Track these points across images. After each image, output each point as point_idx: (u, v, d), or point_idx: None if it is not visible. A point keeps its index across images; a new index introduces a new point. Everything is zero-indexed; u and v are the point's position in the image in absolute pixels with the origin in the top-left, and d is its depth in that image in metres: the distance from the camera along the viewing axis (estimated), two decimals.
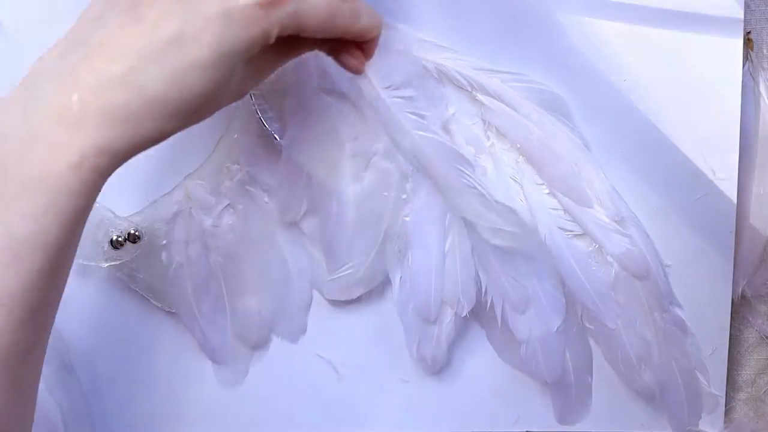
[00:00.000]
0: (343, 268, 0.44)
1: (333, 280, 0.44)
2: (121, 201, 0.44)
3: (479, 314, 0.45)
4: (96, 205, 0.44)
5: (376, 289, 0.45)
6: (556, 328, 0.44)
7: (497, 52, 0.42)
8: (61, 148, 0.28)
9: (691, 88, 0.43)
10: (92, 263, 0.44)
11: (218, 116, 0.43)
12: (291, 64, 0.42)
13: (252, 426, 0.48)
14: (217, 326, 0.46)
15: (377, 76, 0.41)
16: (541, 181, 0.43)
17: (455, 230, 0.43)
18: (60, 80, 0.29)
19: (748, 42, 0.43)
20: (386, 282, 0.45)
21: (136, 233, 0.44)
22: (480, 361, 0.47)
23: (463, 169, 0.41)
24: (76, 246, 0.31)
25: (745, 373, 0.49)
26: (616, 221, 0.42)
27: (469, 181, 0.41)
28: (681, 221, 0.44)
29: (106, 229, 0.44)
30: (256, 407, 0.48)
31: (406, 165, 0.43)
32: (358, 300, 0.46)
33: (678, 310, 0.45)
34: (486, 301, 0.44)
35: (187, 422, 0.48)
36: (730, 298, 0.45)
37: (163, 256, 0.44)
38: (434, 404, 0.48)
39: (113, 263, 0.44)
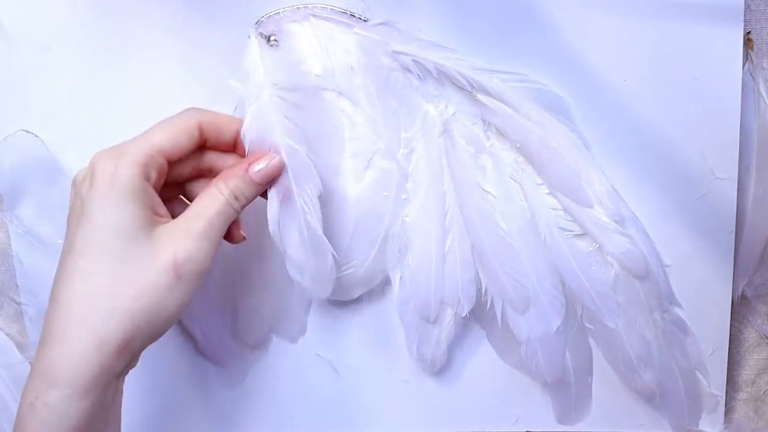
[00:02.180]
0: (343, 268, 0.44)
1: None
2: None
3: (479, 314, 0.45)
4: None
5: (376, 289, 0.45)
6: (556, 328, 0.44)
7: (497, 52, 0.42)
8: None
9: (691, 88, 0.43)
10: None
11: None
12: (290, 64, 0.42)
13: (252, 426, 0.48)
14: (217, 326, 0.46)
15: None
16: (541, 181, 0.43)
17: (455, 230, 0.43)
18: None
19: (748, 42, 0.43)
20: (386, 282, 0.45)
21: None
22: (480, 361, 0.47)
23: None
24: None
25: (745, 373, 0.49)
26: (616, 221, 0.42)
27: None
28: (681, 221, 0.44)
29: None
30: (256, 407, 0.48)
31: (406, 165, 0.43)
32: (358, 300, 0.46)
33: (678, 310, 0.45)
34: (486, 301, 0.44)
35: (186, 422, 0.48)
36: (730, 298, 0.45)
37: None
38: (434, 404, 0.48)
39: None
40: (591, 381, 0.47)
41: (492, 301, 0.44)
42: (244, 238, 0.39)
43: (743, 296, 0.47)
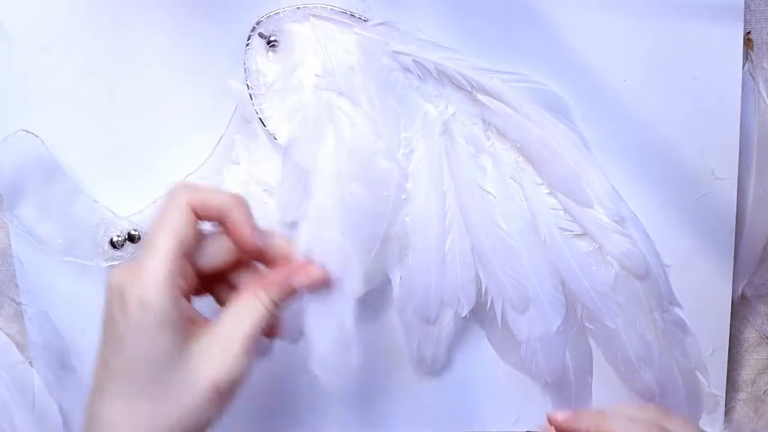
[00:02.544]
0: None
1: None
2: (121, 201, 0.44)
3: (479, 314, 0.45)
4: (96, 205, 0.44)
5: (376, 289, 0.45)
6: (556, 328, 0.44)
7: (497, 52, 0.42)
8: None
9: (691, 88, 0.43)
10: (92, 263, 0.44)
11: (218, 116, 0.44)
12: (290, 63, 0.42)
13: (252, 426, 0.48)
14: None
15: None
16: (541, 181, 0.43)
17: (455, 230, 0.43)
18: None
19: (748, 42, 0.43)
20: (386, 282, 0.45)
21: (136, 233, 0.44)
22: (480, 361, 0.47)
23: None
24: None
25: (745, 373, 0.49)
26: (616, 221, 0.42)
27: None
28: (681, 221, 0.44)
29: (106, 229, 0.44)
30: (255, 407, 0.48)
31: (406, 165, 0.43)
32: (358, 300, 0.46)
33: (678, 310, 0.45)
34: (486, 301, 0.44)
35: None
36: (730, 298, 0.45)
37: None
38: (434, 404, 0.48)
39: (113, 263, 0.44)
40: (591, 381, 0.47)
41: (492, 301, 0.44)
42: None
43: (743, 296, 0.47)
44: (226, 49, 0.43)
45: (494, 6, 0.42)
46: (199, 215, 0.34)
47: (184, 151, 0.44)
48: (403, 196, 0.43)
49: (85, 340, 0.47)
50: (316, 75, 0.42)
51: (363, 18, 0.42)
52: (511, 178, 0.43)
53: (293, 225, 0.44)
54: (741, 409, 0.49)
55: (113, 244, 0.44)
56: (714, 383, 0.46)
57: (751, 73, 0.44)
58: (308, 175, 0.42)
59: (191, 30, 0.43)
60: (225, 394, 0.34)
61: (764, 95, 0.44)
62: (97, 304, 0.46)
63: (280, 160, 0.43)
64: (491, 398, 0.47)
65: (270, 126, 0.43)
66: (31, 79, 0.44)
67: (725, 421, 0.47)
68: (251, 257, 0.36)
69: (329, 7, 0.42)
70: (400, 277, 0.44)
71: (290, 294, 0.35)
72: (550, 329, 0.44)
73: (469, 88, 0.42)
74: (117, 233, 0.44)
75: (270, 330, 0.37)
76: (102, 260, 0.44)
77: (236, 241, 0.35)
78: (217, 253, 0.36)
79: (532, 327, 0.44)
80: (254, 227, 0.35)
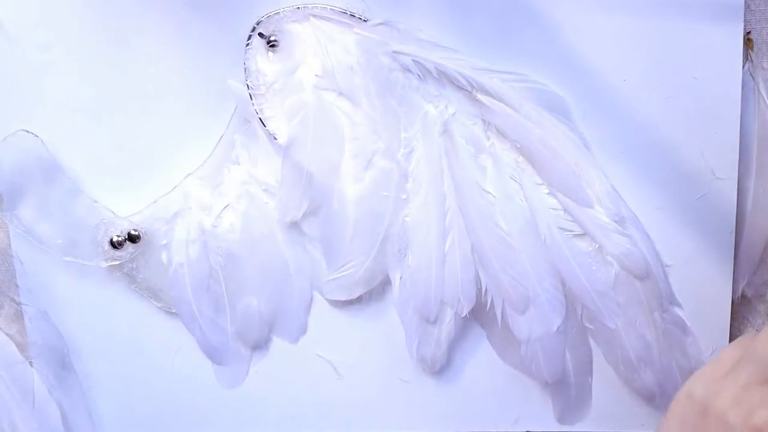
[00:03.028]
0: (343, 268, 0.44)
1: (333, 280, 0.45)
2: (121, 201, 0.44)
3: (479, 314, 0.45)
4: (96, 205, 0.44)
5: (376, 289, 0.45)
6: (556, 328, 0.44)
7: (497, 52, 0.42)
8: None
9: (691, 88, 0.43)
10: (92, 263, 0.44)
11: (218, 116, 0.44)
12: (290, 63, 0.42)
13: (252, 426, 0.48)
14: (217, 326, 0.46)
15: None
16: (541, 181, 0.43)
17: (455, 230, 0.43)
18: None
19: (748, 42, 0.43)
20: (386, 282, 0.45)
21: (136, 233, 0.44)
22: (480, 361, 0.47)
23: None
24: None
25: None
26: (616, 221, 0.42)
27: None
28: (681, 221, 0.44)
29: (106, 229, 0.44)
30: (256, 407, 0.48)
31: (406, 165, 0.43)
32: (358, 300, 0.46)
33: (678, 310, 0.45)
34: (486, 301, 0.44)
35: (186, 422, 0.48)
36: (730, 298, 0.45)
37: (163, 256, 0.44)
38: (434, 404, 0.48)
39: (113, 263, 0.44)
40: (591, 381, 0.47)
41: (492, 301, 0.44)
42: None
43: (743, 296, 0.47)
44: (226, 49, 0.43)
45: (494, 6, 0.42)
46: None
47: (184, 151, 0.44)
48: (403, 196, 0.43)
49: (85, 340, 0.47)
50: (316, 75, 0.42)
51: (363, 18, 0.42)
52: (511, 178, 0.43)
53: (292, 225, 0.44)
54: None
55: (113, 244, 0.44)
56: None
57: (751, 73, 0.44)
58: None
59: (191, 30, 0.43)
60: None
61: (764, 95, 0.44)
62: (97, 304, 0.46)
63: (280, 160, 0.43)
64: (491, 398, 0.47)
65: (270, 126, 0.43)
66: (31, 79, 0.44)
67: None
68: None
69: (329, 7, 0.42)
70: (400, 277, 0.44)
71: None
72: (550, 329, 0.44)
73: (469, 88, 0.42)
74: (117, 233, 0.44)
75: None
76: (102, 260, 0.44)
77: None
78: None
79: (532, 327, 0.44)
80: None
